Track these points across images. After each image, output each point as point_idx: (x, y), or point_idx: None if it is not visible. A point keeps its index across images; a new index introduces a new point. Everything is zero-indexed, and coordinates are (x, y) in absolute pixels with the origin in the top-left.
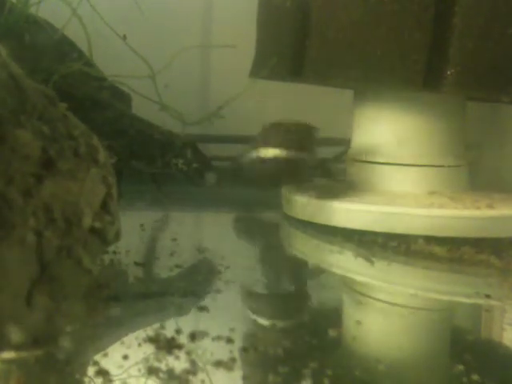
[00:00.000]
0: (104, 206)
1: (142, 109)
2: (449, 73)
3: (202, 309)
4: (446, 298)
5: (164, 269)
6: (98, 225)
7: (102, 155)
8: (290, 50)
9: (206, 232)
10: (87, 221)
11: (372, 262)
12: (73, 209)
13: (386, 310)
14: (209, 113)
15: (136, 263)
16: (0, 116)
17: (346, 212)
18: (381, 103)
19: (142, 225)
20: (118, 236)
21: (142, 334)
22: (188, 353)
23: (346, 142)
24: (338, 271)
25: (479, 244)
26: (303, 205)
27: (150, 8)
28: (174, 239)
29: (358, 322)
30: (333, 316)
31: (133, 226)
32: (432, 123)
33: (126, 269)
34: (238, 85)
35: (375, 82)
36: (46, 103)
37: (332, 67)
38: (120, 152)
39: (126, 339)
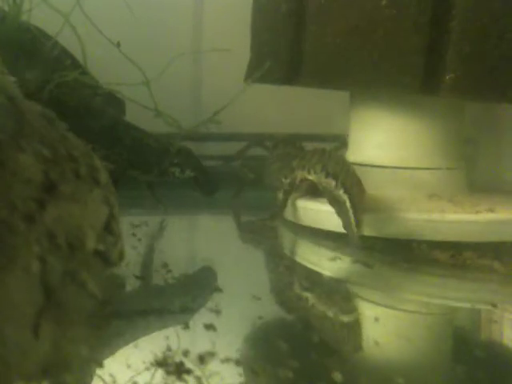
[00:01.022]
0: (107, 227)
1: (134, 113)
2: (447, 77)
3: (209, 327)
4: (449, 304)
5: (164, 281)
6: (101, 247)
7: (103, 175)
8: (285, 54)
9: (204, 239)
10: (90, 244)
11: (371, 267)
12: (76, 232)
13: (390, 315)
14: (205, 118)
15: (136, 276)
16: (0, 141)
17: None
18: (378, 106)
19: (138, 233)
20: (121, 257)
21: (148, 356)
22: (197, 378)
23: (339, 138)
24: (339, 277)
25: (481, 248)
26: (302, 209)
27: (137, 13)
28: (173, 247)
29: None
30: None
31: (129, 234)
32: (429, 125)
33: (126, 282)
34: (229, 83)
35: (372, 86)
36: (45, 124)
37: (328, 72)
38: (116, 161)
39: (132, 362)
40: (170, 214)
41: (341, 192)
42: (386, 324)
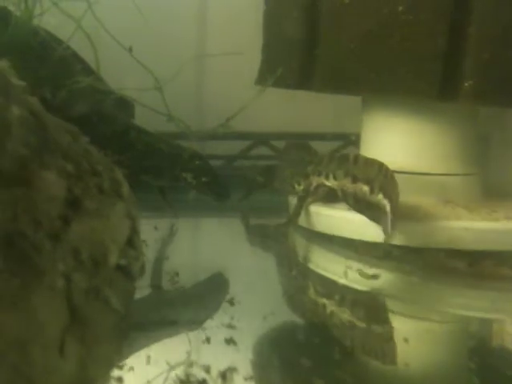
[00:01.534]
0: (128, 241)
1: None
2: (466, 84)
3: (229, 341)
4: (465, 314)
5: (177, 290)
6: (123, 262)
7: (126, 189)
8: (298, 59)
9: (215, 244)
10: (113, 259)
11: (377, 277)
12: (99, 248)
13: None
14: (209, 118)
15: (152, 286)
16: (24, 158)
17: (360, 224)
18: (392, 111)
19: (149, 238)
20: (142, 270)
21: (169, 372)
22: None
23: (345, 137)
24: (354, 286)
25: (500, 257)
26: (315, 215)
27: (140, 17)
28: (184, 253)
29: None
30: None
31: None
32: (445, 130)
33: (140, 291)
34: (233, 84)
35: (389, 93)
36: (68, 139)
37: (343, 78)
38: (128, 166)
39: (153, 379)
40: (180, 217)
41: (380, 197)
42: (404, 333)
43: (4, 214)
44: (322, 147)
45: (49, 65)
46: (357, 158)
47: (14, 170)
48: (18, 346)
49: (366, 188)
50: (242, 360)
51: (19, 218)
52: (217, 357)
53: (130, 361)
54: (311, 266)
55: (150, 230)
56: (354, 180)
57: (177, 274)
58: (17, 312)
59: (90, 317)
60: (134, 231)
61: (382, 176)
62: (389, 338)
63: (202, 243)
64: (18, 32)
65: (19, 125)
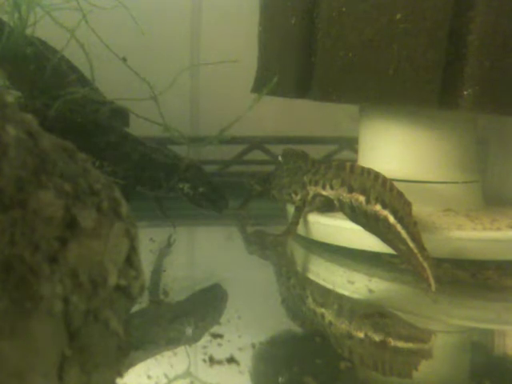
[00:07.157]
0: (128, 260)
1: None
2: (465, 92)
3: (231, 360)
4: (468, 325)
5: (178, 305)
6: (123, 282)
7: (124, 207)
8: (295, 68)
9: (212, 254)
10: (112, 279)
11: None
12: (98, 269)
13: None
14: (202, 123)
15: (152, 301)
16: (21, 179)
17: (358, 233)
18: (390, 119)
19: (145, 249)
20: (142, 290)
21: None
22: None
23: (339, 141)
24: (355, 296)
25: (503, 267)
26: (313, 224)
27: (135, 25)
28: (183, 264)
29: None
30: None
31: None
32: (444, 138)
33: (139, 305)
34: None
35: (388, 101)
36: (65, 158)
37: (341, 86)
38: (125, 177)
39: None
40: (178, 227)
41: (378, 207)
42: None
43: (2, 238)
44: (318, 151)
45: (43, 75)
46: (353, 167)
47: (10, 192)
48: (17, 375)
49: (361, 198)
50: (243, 377)
51: (17, 242)
52: (217, 374)
53: (130, 380)
54: (309, 275)
55: (147, 241)
56: (350, 190)
57: (174, 288)
58: (16, 340)
59: (89, 341)
60: (133, 250)
61: (378, 186)
62: (406, 353)
63: (200, 254)
64: (12, 42)
65: (15, 145)
